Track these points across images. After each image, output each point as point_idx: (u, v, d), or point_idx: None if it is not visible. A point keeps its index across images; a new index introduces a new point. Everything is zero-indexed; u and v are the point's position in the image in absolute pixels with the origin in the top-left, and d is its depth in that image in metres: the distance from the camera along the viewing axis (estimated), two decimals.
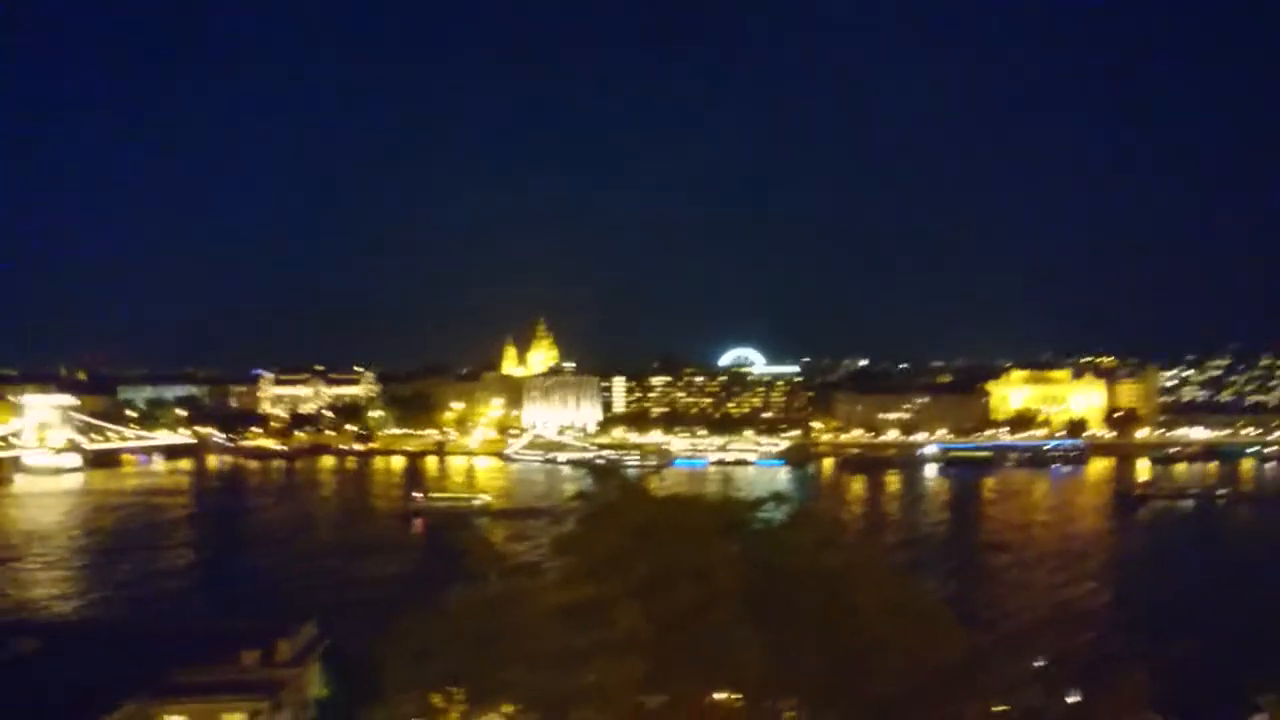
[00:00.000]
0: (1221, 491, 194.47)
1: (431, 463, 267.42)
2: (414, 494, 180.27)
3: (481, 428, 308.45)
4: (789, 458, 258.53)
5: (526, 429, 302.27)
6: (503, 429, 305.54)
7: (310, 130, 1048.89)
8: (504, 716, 25.17)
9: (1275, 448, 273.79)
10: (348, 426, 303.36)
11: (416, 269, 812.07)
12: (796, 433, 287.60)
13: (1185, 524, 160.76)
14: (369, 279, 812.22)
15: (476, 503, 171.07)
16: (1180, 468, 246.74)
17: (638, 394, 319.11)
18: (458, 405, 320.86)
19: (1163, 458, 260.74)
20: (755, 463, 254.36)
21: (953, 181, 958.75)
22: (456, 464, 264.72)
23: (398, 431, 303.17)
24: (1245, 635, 74.54)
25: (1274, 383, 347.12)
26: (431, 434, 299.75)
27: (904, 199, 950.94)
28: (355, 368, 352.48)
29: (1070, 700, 27.86)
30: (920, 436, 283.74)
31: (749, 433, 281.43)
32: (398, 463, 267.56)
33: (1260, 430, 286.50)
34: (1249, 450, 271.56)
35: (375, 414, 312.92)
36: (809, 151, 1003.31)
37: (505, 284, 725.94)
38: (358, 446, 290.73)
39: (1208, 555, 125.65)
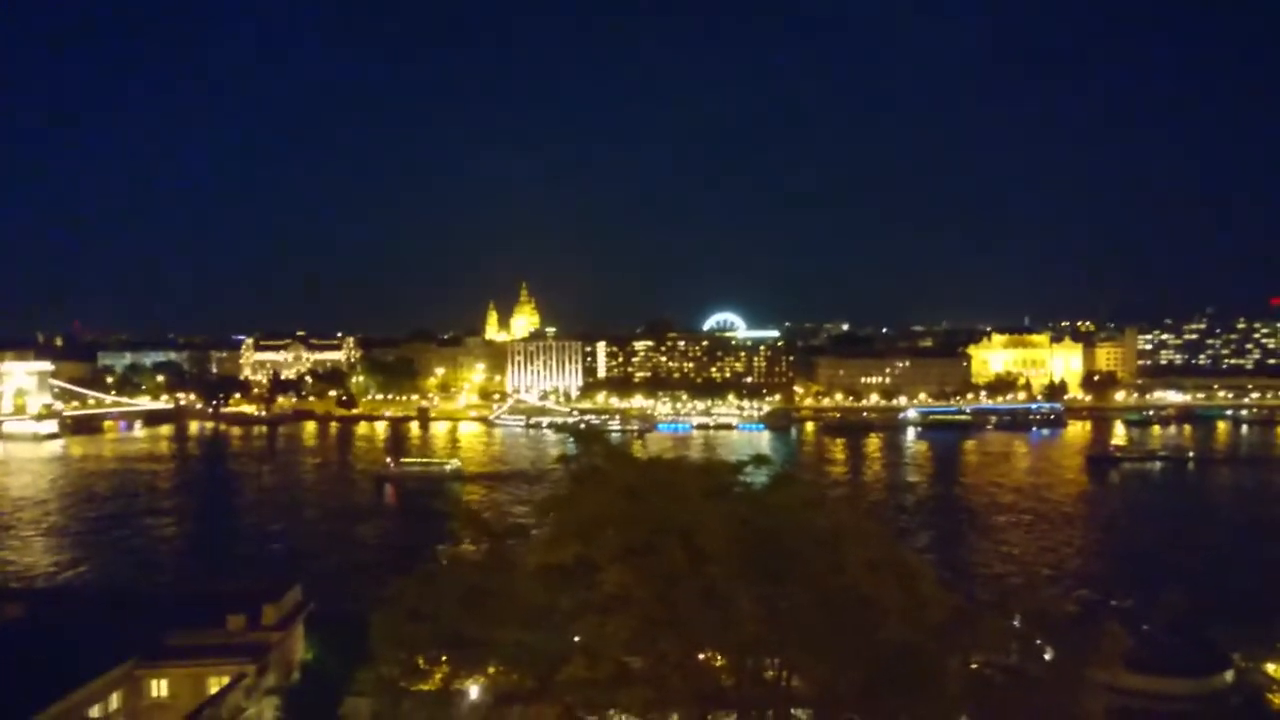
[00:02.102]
0: (1191, 454, 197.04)
1: (414, 428, 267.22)
2: (386, 460, 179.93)
3: (465, 393, 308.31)
4: (771, 422, 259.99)
5: (509, 394, 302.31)
6: (486, 394, 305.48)
7: (294, 96, 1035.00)
8: (489, 678, 25.41)
9: (1249, 410, 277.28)
10: (330, 392, 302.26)
11: (398, 234, 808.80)
12: (778, 397, 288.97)
13: (1154, 485, 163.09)
14: (350, 244, 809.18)
15: (449, 468, 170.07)
16: (1156, 430, 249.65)
17: (621, 358, 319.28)
18: (440, 371, 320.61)
19: (1139, 420, 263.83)
20: (738, 427, 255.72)
21: (934, 148, 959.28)
22: (440, 429, 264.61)
23: (380, 397, 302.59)
24: (1211, 592, 76.33)
25: (1250, 346, 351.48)
26: (415, 399, 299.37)
27: (886, 165, 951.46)
28: (337, 333, 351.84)
29: (1046, 657, 28.44)
30: (901, 400, 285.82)
31: (731, 397, 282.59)
32: (381, 428, 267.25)
33: (1235, 393, 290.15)
34: (1225, 413, 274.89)
35: (358, 379, 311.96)
36: (791, 118, 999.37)
37: (487, 249, 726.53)
38: (340, 412, 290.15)
39: (1174, 517, 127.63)
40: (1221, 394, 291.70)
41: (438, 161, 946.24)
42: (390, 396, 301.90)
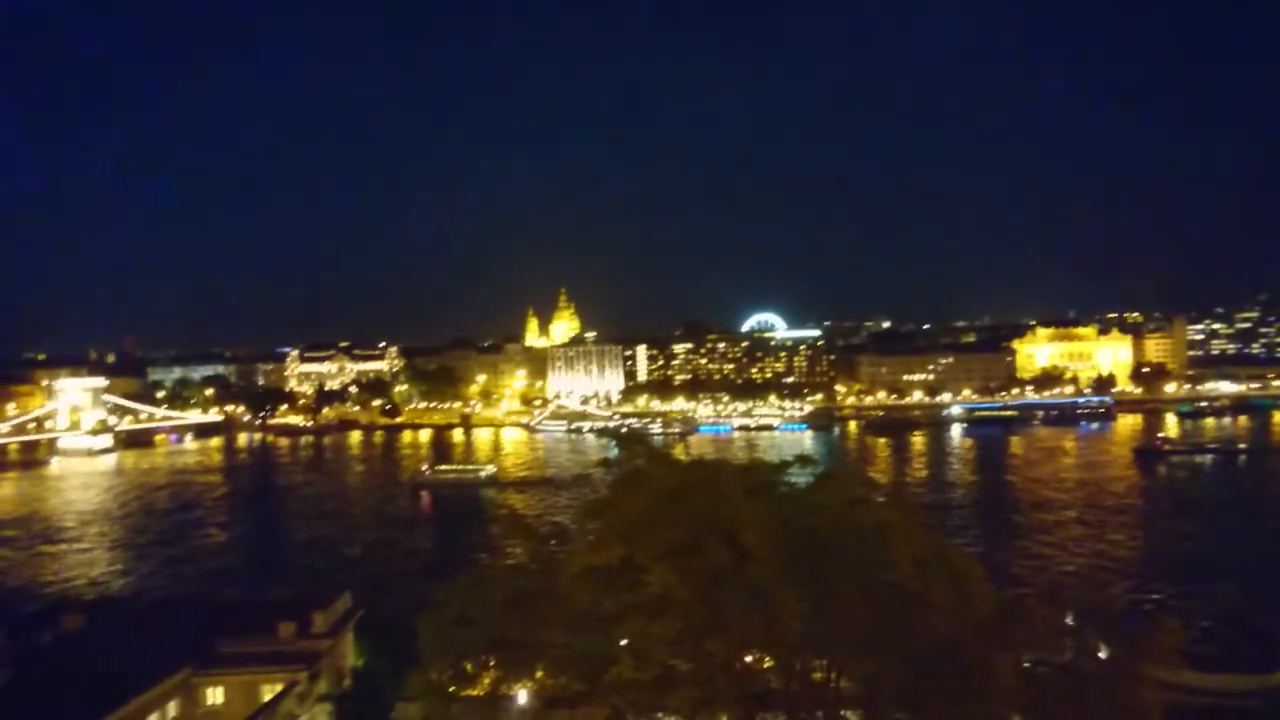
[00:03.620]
0: (1243, 445, 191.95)
1: (458, 435, 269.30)
2: (422, 467, 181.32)
3: (506, 399, 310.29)
4: (813, 421, 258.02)
5: (550, 399, 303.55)
6: (527, 400, 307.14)
7: (335, 110, 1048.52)
8: (537, 681, 25.50)
9: None
10: (374, 402, 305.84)
11: (438, 243, 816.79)
12: (820, 396, 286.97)
13: (1204, 478, 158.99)
14: (391, 255, 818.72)
15: (484, 474, 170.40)
16: (1209, 422, 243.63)
17: (660, 361, 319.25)
18: (482, 378, 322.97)
19: (1191, 412, 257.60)
20: (779, 427, 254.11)
21: (974, 140, 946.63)
22: (482, 436, 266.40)
23: (424, 405, 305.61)
24: (1266, 586, 74.61)
25: None
26: (457, 407, 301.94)
27: (926, 159, 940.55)
28: (380, 343, 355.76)
29: (1101, 654, 27.91)
30: (945, 397, 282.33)
31: (772, 397, 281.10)
32: (424, 436, 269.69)
33: None
34: None
35: (401, 388, 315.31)
36: (828, 115, 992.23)
37: (527, 255, 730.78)
38: (384, 421, 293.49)
39: (1224, 510, 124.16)
40: (1277, 383, 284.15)
41: (474, 169, 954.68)
42: (433, 404, 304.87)
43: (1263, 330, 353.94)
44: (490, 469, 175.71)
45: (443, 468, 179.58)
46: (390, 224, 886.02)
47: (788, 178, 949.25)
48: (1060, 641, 26.15)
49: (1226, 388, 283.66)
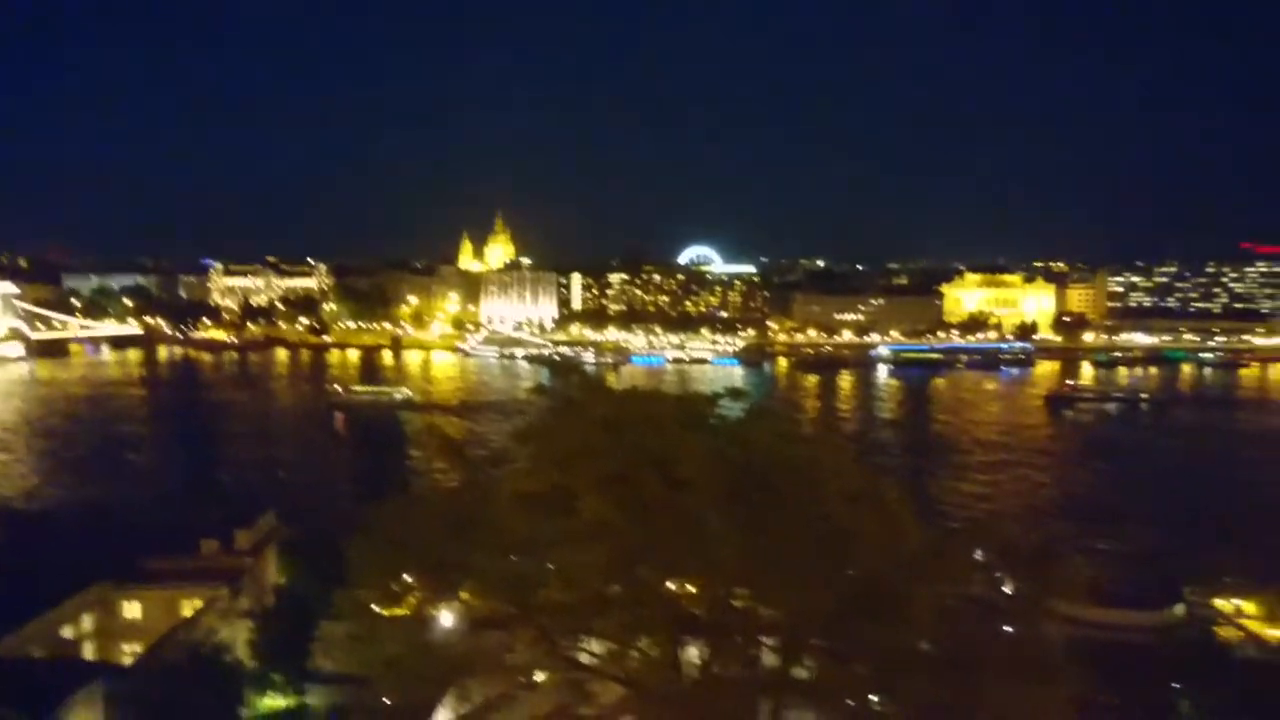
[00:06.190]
0: (1144, 395, 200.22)
1: (387, 357, 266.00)
2: (336, 387, 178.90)
3: (438, 322, 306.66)
4: (745, 356, 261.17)
5: (484, 324, 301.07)
6: (459, 324, 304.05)
7: (270, 15, 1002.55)
8: (465, 603, 25.63)
9: (1214, 353, 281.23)
10: (301, 319, 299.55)
11: (371, 158, 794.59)
12: (753, 332, 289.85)
13: (1108, 424, 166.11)
14: (321, 167, 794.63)
15: (399, 396, 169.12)
16: (1123, 371, 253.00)
17: (596, 291, 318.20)
18: (414, 299, 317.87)
19: (1106, 361, 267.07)
20: (713, 361, 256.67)
21: (913, 87, 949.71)
22: (413, 358, 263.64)
23: (353, 325, 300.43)
24: (1158, 529, 79.39)
25: (1217, 290, 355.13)
26: (388, 328, 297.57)
27: (864, 103, 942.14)
28: (308, 259, 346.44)
29: (1007, 589, 29.12)
30: (874, 337, 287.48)
31: (706, 331, 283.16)
32: (353, 356, 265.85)
33: (1201, 336, 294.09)
34: (1198, 355, 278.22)
35: (330, 307, 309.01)
36: (772, 53, 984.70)
37: (464, 179, 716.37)
38: (312, 340, 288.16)
39: (1122, 455, 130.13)
40: (1188, 336, 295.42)
41: (413, 83, 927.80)
42: (363, 325, 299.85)
43: (1179, 285, 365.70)
44: (406, 392, 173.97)
45: (358, 389, 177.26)
46: (326, 140, 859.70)
47: (733, 115, 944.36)
48: (971, 577, 27.11)
49: (1141, 339, 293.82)
